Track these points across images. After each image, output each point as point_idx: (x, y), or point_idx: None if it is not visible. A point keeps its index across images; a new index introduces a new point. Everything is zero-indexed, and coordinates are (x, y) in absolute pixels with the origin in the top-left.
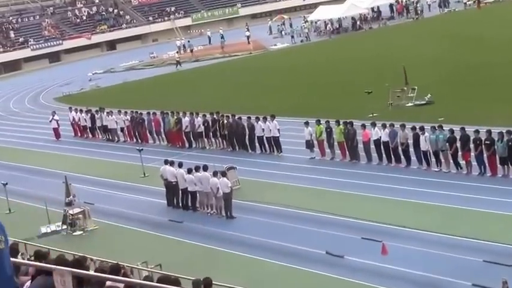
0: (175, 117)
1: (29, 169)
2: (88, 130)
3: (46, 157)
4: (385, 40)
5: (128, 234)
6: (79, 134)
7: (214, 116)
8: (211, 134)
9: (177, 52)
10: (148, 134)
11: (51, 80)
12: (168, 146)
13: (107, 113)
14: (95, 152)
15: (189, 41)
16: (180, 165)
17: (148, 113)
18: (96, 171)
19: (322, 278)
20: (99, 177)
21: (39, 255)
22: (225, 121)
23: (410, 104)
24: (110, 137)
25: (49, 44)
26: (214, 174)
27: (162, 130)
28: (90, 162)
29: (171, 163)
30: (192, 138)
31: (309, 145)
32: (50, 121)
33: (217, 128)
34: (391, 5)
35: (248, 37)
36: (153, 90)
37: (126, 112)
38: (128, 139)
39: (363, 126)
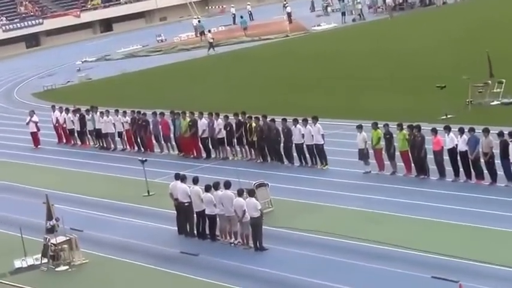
0: (189, 119)
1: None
2: (76, 135)
3: (21, 170)
4: (464, 18)
5: (126, 270)
6: (64, 140)
7: (240, 118)
8: (235, 140)
9: (209, 31)
10: (154, 141)
11: (28, 70)
12: (180, 155)
13: (101, 113)
14: (85, 163)
15: (199, 21)
16: (195, 181)
17: (154, 114)
18: (86, 188)
19: None
20: (90, 196)
21: None
22: (254, 124)
23: (496, 103)
24: (105, 144)
25: (26, 23)
26: (240, 193)
27: (171, 135)
28: (79, 177)
29: (183, 178)
30: (210, 146)
31: (363, 155)
32: (27, 123)
33: (243, 133)
34: None
35: (289, 14)
36: (161, 83)
37: (125, 112)
38: (128, 147)
39: (434, 131)
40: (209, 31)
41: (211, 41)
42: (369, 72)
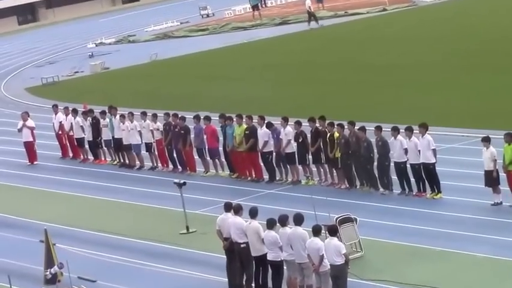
0: (246, 125)
1: None
2: (87, 147)
3: (11, 195)
4: None
5: None
6: (71, 154)
7: (317, 125)
8: (310, 157)
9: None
10: (196, 156)
11: (21, 55)
12: (232, 177)
13: (122, 116)
14: (99, 187)
15: None
16: (253, 213)
17: (197, 118)
18: (101, 221)
19: None
20: (107, 233)
21: None
22: (337, 134)
23: None
24: (127, 161)
25: None
26: (316, 231)
27: (220, 149)
28: (91, 206)
29: (237, 210)
30: (275, 165)
31: (491, 180)
32: (19, 130)
33: (322, 146)
34: None
35: None
36: (206, 75)
37: (155, 116)
38: (159, 164)
39: None
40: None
41: (312, 10)
42: (507, 60)
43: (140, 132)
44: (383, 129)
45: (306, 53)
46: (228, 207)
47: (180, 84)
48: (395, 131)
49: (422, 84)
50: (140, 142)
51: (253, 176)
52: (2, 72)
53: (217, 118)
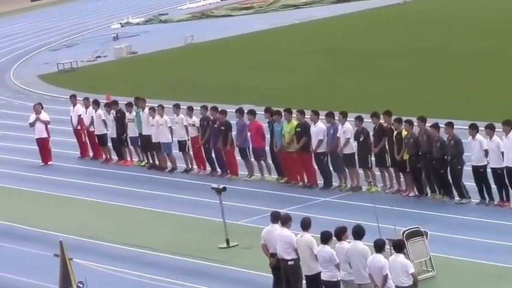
0: (296, 121)
1: None
2: (110, 145)
3: (22, 201)
4: None
5: None
6: (91, 153)
7: (381, 121)
8: (372, 159)
9: None
10: (238, 156)
11: (34, 37)
12: (280, 181)
13: (151, 109)
14: (124, 192)
15: None
16: (305, 224)
17: (240, 112)
18: (127, 233)
19: None
20: (133, 247)
21: None
22: (405, 132)
23: None
24: (157, 161)
25: None
26: (379, 246)
27: (267, 148)
28: (114, 215)
29: (286, 220)
30: (331, 168)
31: None
32: (32, 124)
33: (387, 146)
34: None
35: None
36: (250, 63)
37: (191, 109)
38: (195, 166)
39: None
40: None
41: None
42: None
43: (172, 129)
44: (455, 126)
45: (369, 36)
46: (275, 217)
47: (220, 72)
48: (474, 129)
49: (508, 75)
50: (171, 140)
51: (306, 181)
52: (11, 56)
53: (264, 112)
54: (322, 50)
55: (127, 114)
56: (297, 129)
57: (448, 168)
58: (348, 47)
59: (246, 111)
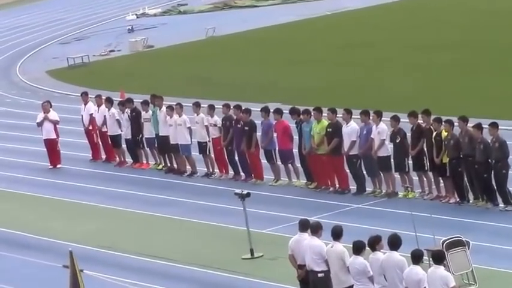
0: (327, 121)
1: None
2: (125, 147)
3: (28, 207)
4: None
5: None
6: (103, 155)
7: (419, 122)
8: (409, 161)
9: None
10: (264, 159)
11: (42, 29)
12: (309, 186)
13: (169, 108)
14: (139, 198)
15: None
16: (337, 233)
17: (266, 111)
18: (142, 242)
19: None
20: (150, 257)
21: None
22: (445, 133)
23: None
24: (175, 165)
25: None
26: (416, 257)
27: (294, 150)
28: (128, 222)
29: (315, 229)
30: (364, 172)
31: None
32: (39, 124)
33: (426, 148)
34: None
35: None
36: (277, 58)
37: (212, 108)
38: (216, 169)
39: None
40: None
41: None
42: None
43: (191, 129)
44: (500, 127)
45: (409, 28)
46: (303, 225)
47: (243, 68)
48: None
49: None
50: (191, 141)
51: (337, 186)
52: (17, 50)
53: (289, 112)
54: (355, 44)
55: (143, 113)
56: (328, 130)
57: (492, 173)
58: (382, 40)
59: (272, 110)
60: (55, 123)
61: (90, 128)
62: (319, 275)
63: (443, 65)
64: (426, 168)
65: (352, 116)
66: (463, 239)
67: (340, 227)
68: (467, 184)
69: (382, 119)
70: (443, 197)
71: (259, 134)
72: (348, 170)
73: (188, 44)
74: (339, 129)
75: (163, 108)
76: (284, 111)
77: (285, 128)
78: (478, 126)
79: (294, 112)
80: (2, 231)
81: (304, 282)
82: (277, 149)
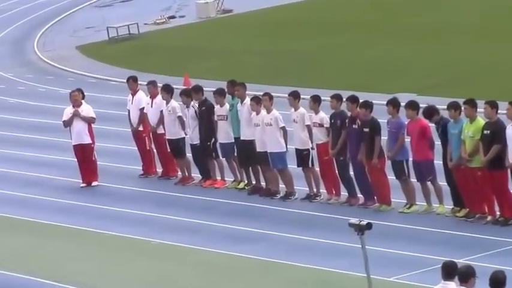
0: (485, 119)
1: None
2: (191, 156)
3: (50, 242)
4: None
5: None
6: (159, 169)
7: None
8: None
9: None
10: (391, 174)
11: None
12: (456, 214)
13: (254, 100)
14: (214, 230)
15: None
16: (498, 282)
17: (393, 104)
18: None
19: None
20: None
21: None
22: None
23: None
24: (263, 182)
25: None
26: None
27: (436, 161)
28: (198, 264)
29: (466, 277)
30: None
31: None
32: (67, 123)
33: None
34: None
35: None
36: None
37: (317, 101)
38: (323, 189)
39: None
40: None
41: None
42: None
43: (286, 130)
44: None
45: None
46: (449, 271)
47: (361, 43)
48: None
49: None
50: (286, 148)
51: (497, 213)
52: (35, 16)
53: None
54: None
55: (216, 107)
56: (485, 132)
57: None
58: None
59: (403, 104)
60: (89, 121)
61: (141, 128)
62: None
63: None
64: None
65: None
66: None
67: (503, 273)
68: None
69: None
70: None
71: (384, 138)
72: None
73: (282, 7)
74: (502, 130)
75: (247, 100)
76: (421, 105)
77: (422, 129)
78: None
79: (429, 113)
80: (10, 276)
81: None
82: (410, 159)
